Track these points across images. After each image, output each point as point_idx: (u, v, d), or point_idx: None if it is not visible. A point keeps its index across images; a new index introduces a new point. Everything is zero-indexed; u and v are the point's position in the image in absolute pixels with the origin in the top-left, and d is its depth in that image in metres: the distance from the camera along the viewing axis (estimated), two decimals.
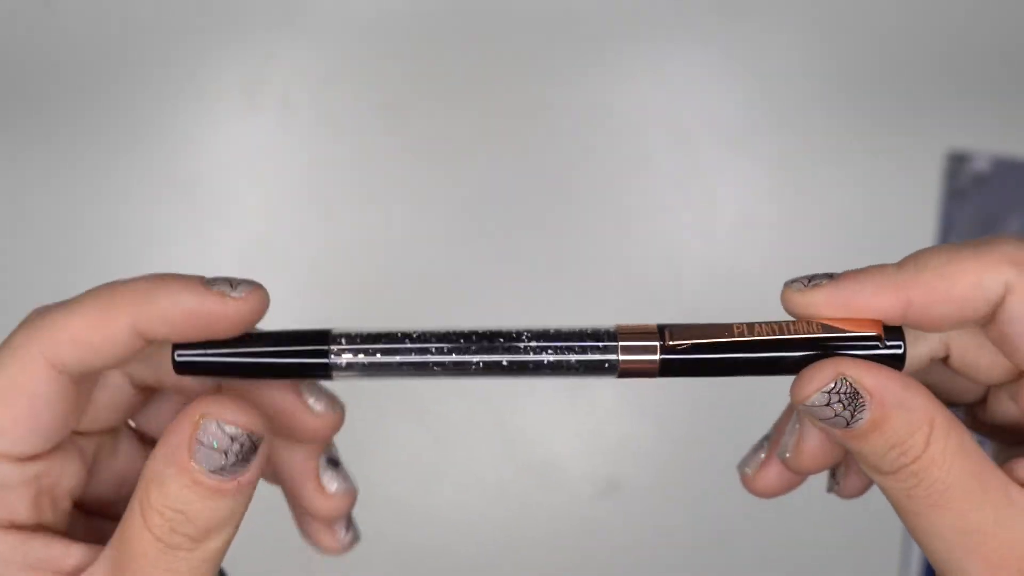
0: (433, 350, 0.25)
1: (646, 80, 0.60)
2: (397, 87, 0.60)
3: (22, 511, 0.26)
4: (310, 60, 0.60)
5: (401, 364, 0.25)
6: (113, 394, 0.28)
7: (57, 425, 0.26)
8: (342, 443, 0.63)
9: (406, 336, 0.25)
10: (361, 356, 0.25)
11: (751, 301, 0.60)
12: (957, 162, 0.59)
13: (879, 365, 0.25)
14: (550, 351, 0.25)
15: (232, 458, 0.25)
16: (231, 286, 0.26)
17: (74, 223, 0.60)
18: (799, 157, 0.59)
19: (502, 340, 0.25)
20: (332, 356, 0.25)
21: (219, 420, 0.25)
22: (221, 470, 0.25)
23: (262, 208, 0.60)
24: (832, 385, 0.25)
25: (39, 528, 0.26)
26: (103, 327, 0.26)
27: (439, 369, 0.25)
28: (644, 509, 0.59)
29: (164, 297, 0.26)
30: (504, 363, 0.25)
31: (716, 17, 0.59)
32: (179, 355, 0.26)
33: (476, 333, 0.25)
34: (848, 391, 0.25)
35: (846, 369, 0.25)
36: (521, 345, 0.25)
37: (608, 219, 0.60)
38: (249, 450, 0.25)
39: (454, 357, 0.25)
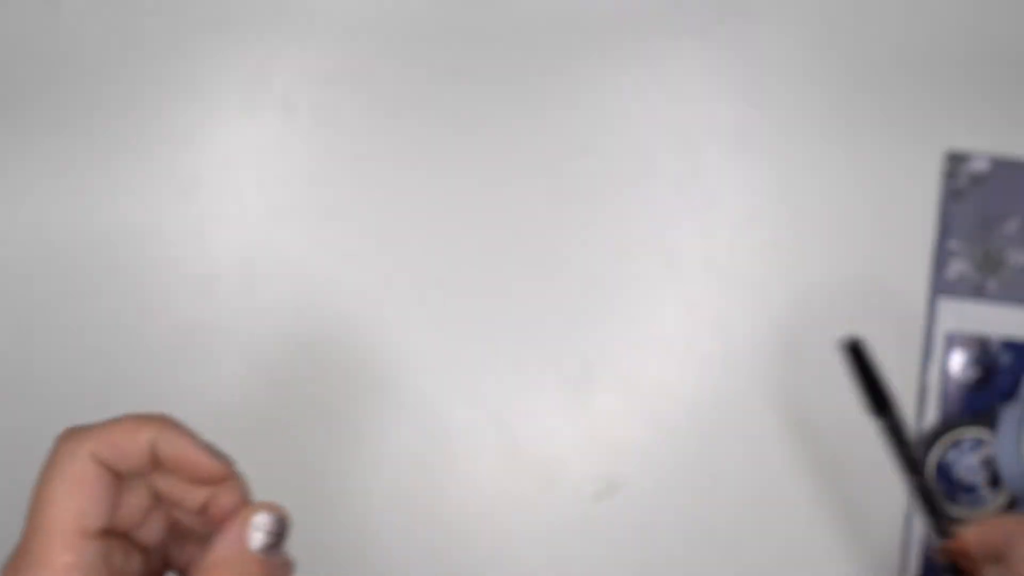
0: None
1: (645, 79, 0.60)
2: (397, 88, 0.60)
3: None
4: (310, 60, 0.60)
5: None
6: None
7: (110, 508, 0.35)
8: (342, 443, 0.63)
9: None
10: None
11: (751, 301, 0.60)
12: (956, 162, 0.59)
13: None
14: None
15: (275, 539, 0.35)
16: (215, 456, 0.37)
17: (74, 223, 0.60)
18: (798, 157, 0.59)
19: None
20: None
21: (270, 513, 0.35)
22: (267, 549, 0.35)
23: (263, 208, 0.60)
24: None
25: None
26: (131, 438, 0.36)
27: None
28: (644, 509, 0.59)
29: (174, 433, 0.36)
30: None
31: (716, 16, 0.60)
32: None
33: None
34: None
35: None
36: None
37: (607, 218, 0.60)
38: (285, 532, 0.36)
39: None
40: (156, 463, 0.36)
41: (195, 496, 0.37)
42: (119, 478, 0.36)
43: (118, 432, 0.35)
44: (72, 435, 0.36)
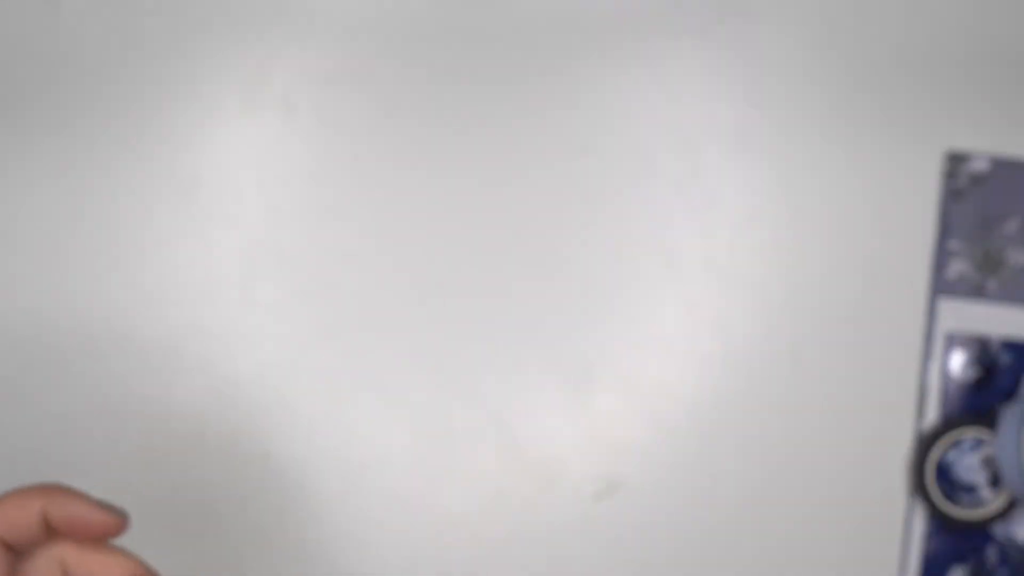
0: None
1: (645, 79, 0.60)
2: (397, 87, 0.60)
3: None
4: (310, 60, 0.60)
5: None
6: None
7: None
8: (344, 441, 0.63)
9: None
10: None
11: (751, 301, 0.60)
12: (956, 162, 0.59)
13: None
14: None
15: None
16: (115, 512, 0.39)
17: (73, 223, 0.60)
18: (798, 157, 0.59)
19: None
20: None
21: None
22: None
23: (263, 209, 0.60)
24: None
25: None
26: (22, 510, 0.38)
27: None
28: (644, 509, 0.59)
29: (63, 498, 0.38)
30: None
31: (716, 16, 0.60)
32: None
33: None
34: None
35: None
36: None
37: (607, 218, 0.60)
38: None
39: None
40: (50, 531, 0.39)
41: None
42: (12, 552, 0.38)
43: (8, 507, 0.38)
44: None
